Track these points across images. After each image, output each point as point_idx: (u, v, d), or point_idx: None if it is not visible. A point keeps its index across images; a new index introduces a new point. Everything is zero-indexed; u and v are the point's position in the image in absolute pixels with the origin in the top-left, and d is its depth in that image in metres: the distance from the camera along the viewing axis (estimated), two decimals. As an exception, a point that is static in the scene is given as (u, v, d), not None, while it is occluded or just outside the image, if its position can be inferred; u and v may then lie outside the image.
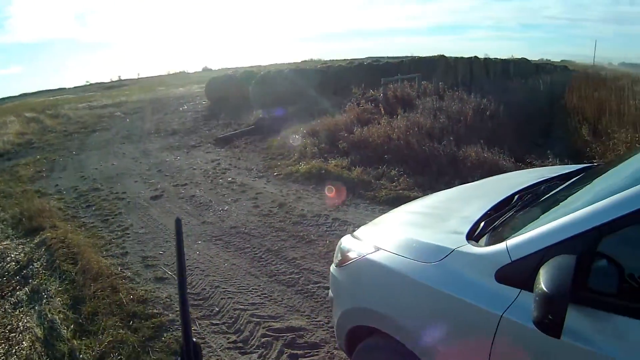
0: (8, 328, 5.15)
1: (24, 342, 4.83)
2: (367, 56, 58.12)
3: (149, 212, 8.71)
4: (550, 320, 1.72)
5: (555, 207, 2.57)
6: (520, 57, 43.61)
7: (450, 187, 6.72)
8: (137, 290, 5.72)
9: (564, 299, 1.71)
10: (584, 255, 1.90)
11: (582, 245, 1.94)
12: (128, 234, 7.73)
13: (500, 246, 2.30)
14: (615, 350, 1.80)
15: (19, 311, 5.50)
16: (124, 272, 6.27)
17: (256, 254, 6.57)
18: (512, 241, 2.26)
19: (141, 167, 12.65)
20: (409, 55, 43.19)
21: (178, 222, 1.42)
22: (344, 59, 45.68)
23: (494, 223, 2.84)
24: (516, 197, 3.32)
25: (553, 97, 19.28)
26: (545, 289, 1.76)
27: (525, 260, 2.13)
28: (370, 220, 3.87)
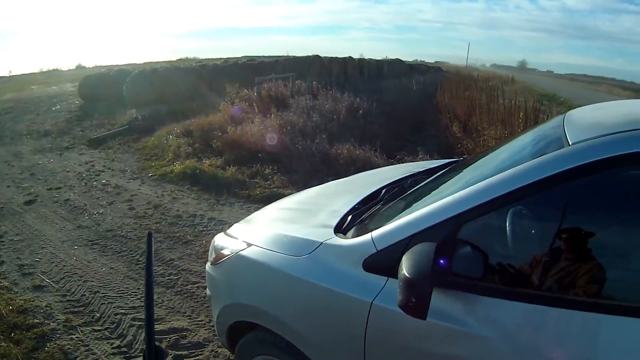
0: None
1: None
2: (243, 55, 57.86)
3: (23, 218, 8.31)
4: (414, 303, 1.80)
5: (420, 200, 2.65)
6: (394, 58, 44.71)
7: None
8: (15, 300, 5.47)
9: (425, 282, 1.79)
10: (446, 242, 2.01)
11: (443, 233, 2.06)
12: (2, 241, 7.33)
13: (366, 237, 2.38)
14: (483, 328, 1.93)
15: None
16: (0, 282, 5.98)
17: (134, 257, 6.48)
18: (377, 232, 2.35)
19: (13, 170, 11.99)
20: (285, 54, 43.39)
21: (149, 236, 1.45)
22: (220, 58, 45.23)
23: (361, 216, 2.95)
24: (383, 191, 3.43)
25: (426, 97, 19.94)
26: (407, 274, 1.83)
27: (389, 250, 2.22)
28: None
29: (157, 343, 1.36)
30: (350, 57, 31.80)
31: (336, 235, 2.67)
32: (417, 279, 1.82)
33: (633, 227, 1.93)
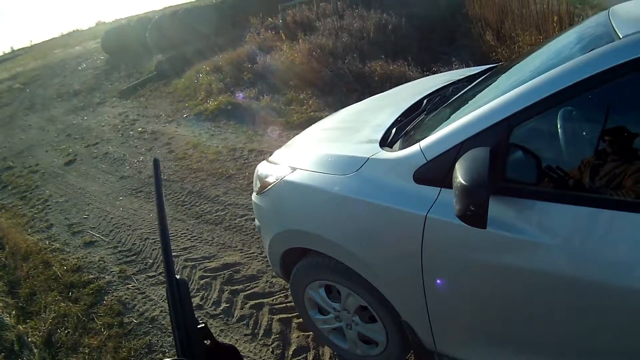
0: (-51, 327, 4.97)
1: (-31, 338, 4.69)
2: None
3: (66, 178, 8.43)
4: (472, 211, 1.72)
5: (464, 106, 2.55)
6: None
7: (360, 102, 6.76)
8: (69, 260, 5.56)
9: (483, 189, 1.70)
10: (498, 147, 1.91)
11: (494, 137, 1.95)
12: (49, 205, 7.48)
13: (414, 148, 2.28)
14: (540, 234, 1.84)
15: (-44, 308, 5.30)
16: (52, 245, 6.08)
17: (179, 198, 6.47)
18: (425, 142, 2.25)
19: (49, 135, 12.16)
20: None
21: (156, 162, 1.34)
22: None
23: (405, 128, 2.84)
24: (425, 101, 3.30)
25: (455, 6, 19.32)
26: (463, 181, 1.75)
27: (440, 159, 2.12)
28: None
29: (177, 275, 1.25)
30: None
31: (382, 149, 2.57)
32: (475, 186, 1.73)
33: None
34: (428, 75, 8.59)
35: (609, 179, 1.83)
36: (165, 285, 1.21)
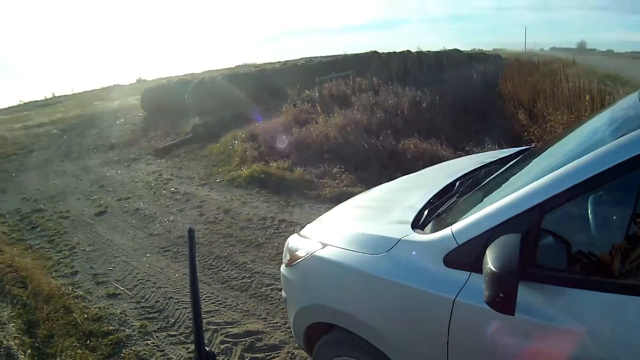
0: (-36, 360, 5.02)
1: (-18, 373, 4.73)
2: (300, 57, 58.30)
3: (95, 228, 8.55)
4: (502, 298, 1.74)
5: (496, 190, 2.60)
6: (452, 49, 44.35)
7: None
8: (90, 309, 5.62)
9: (513, 275, 1.73)
10: (529, 233, 1.94)
11: (526, 223, 1.98)
12: (76, 252, 7.57)
13: (446, 231, 2.31)
14: (569, 321, 1.86)
15: (-29, 340, 5.36)
16: (75, 292, 6.15)
17: (206, 261, 6.53)
18: (456, 226, 2.28)
19: (83, 184, 12.39)
20: (342, 53, 43.67)
21: (191, 232, 1.41)
22: (278, 61, 45.66)
23: (437, 210, 2.89)
24: (457, 183, 3.36)
25: (488, 85, 19.62)
26: (493, 268, 1.78)
27: (471, 243, 2.15)
28: (316, 219, 3.89)
29: (207, 348, 1.32)
30: (408, 50, 31.69)
31: (414, 231, 2.61)
32: (504, 273, 1.76)
33: None
34: (461, 154, 8.79)
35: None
36: (194, 355, 1.26)
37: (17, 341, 5.11)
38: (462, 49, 49.09)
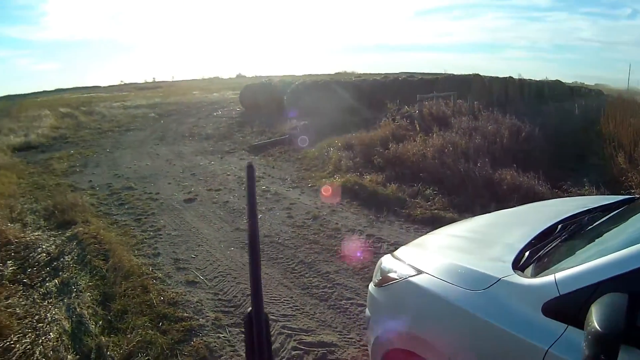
0: (36, 318, 5.16)
1: (51, 334, 4.83)
2: (400, 71, 58.44)
3: (182, 214, 8.73)
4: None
5: (603, 241, 2.55)
6: (554, 79, 43.59)
7: (486, 210, 6.69)
8: (167, 292, 5.70)
9: (618, 338, 1.66)
10: (636, 294, 1.86)
11: (634, 283, 1.93)
12: (160, 234, 7.75)
13: (549, 278, 2.27)
14: None
15: (48, 302, 5.52)
16: (155, 273, 6.28)
17: (289, 265, 6.51)
18: (561, 274, 2.23)
19: (175, 169, 12.75)
20: (442, 72, 43.45)
21: (250, 167, 1.33)
22: (378, 73, 45.96)
23: (539, 253, 2.81)
24: (559, 226, 3.27)
25: (587, 122, 19.16)
26: (598, 327, 1.70)
27: (574, 295, 2.10)
28: (405, 239, 3.82)
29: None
30: (510, 77, 31.20)
31: (514, 272, 2.58)
32: (610, 334, 1.68)
33: None
34: (557, 193, 8.69)
35: None
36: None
37: (90, 311, 5.27)
38: (564, 80, 48.28)
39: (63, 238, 7.50)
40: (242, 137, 17.90)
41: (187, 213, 8.82)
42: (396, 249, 3.70)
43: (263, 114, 22.25)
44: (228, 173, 12.11)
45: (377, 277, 3.46)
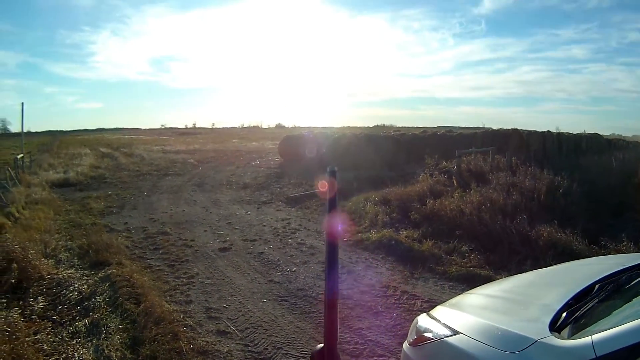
0: (63, 356, 5.19)
1: (77, 374, 4.83)
2: (438, 125, 58.88)
3: (216, 263, 8.75)
4: None
5: None
6: (592, 133, 43.87)
7: (522, 267, 6.63)
8: (197, 341, 5.69)
9: None
10: None
11: None
12: (193, 282, 7.77)
13: (585, 340, 2.27)
14: None
15: (76, 341, 5.55)
16: (186, 320, 6.26)
17: (322, 319, 6.40)
18: (597, 336, 2.23)
19: (211, 217, 12.85)
20: (480, 125, 43.96)
21: (332, 172, 1.32)
22: (416, 127, 46.34)
23: (576, 314, 2.84)
24: (597, 286, 3.29)
25: (626, 175, 18.98)
26: None
27: (611, 357, 2.10)
28: (439, 296, 3.80)
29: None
30: (548, 131, 31.29)
31: (551, 334, 2.59)
32: None
33: None
34: (594, 248, 8.58)
35: None
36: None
37: (118, 354, 5.30)
38: (601, 132, 48.77)
39: (96, 278, 7.57)
40: (279, 188, 18.03)
41: (221, 262, 8.83)
42: (430, 306, 3.70)
43: (300, 165, 22.51)
44: (264, 224, 12.14)
45: (412, 336, 3.45)
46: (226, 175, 20.90)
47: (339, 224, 1.21)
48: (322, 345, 1.19)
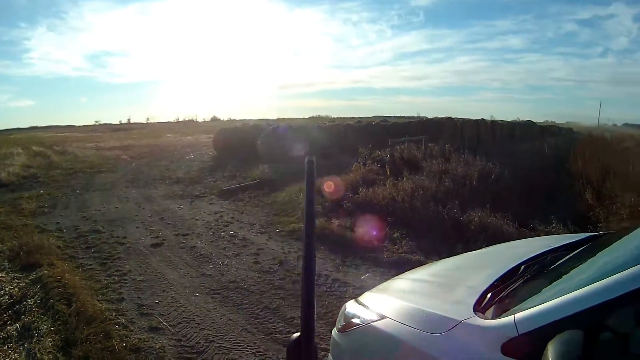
0: (-7, 363, 5.05)
1: (9, 380, 4.75)
2: (374, 115, 59.20)
3: (149, 259, 8.64)
4: None
5: (562, 280, 2.64)
6: (526, 120, 45.06)
7: (453, 252, 6.72)
8: (130, 338, 5.62)
9: None
10: (592, 331, 1.96)
11: (590, 320, 2.02)
12: (125, 279, 7.65)
13: (508, 319, 2.33)
14: None
15: (8, 347, 5.40)
16: (118, 319, 6.16)
17: (254, 310, 6.47)
18: (519, 315, 2.29)
19: (144, 213, 12.68)
20: (416, 115, 44.48)
21: (310, 163, 1.31)
22: (352, 117, 46.49)
23: (500, 294, 2.90)
24: (522, 267, 3.37)
25: (558, 161, 19.54)
26: None
27: (532, 334, 2.16)
28: (372, 283, 3.84)
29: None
30: (482, 119, 31.99)
31: (475, 314, 2.63)
32: None
33: None
34: (525, 231, 8.83)
35: None
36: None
37: (50, 357, 5.19)
38: (535, 119, 49.97)
39: (27, 281, 7.37)
40: (212, 182, 17.92)
41: (153, 258, 8.73)
42: (362, 293, 3.73)
43: (235, 158, 22.39)
44: (196, 218, 12.06)
45: (340, 322, 3.46)
46: (160, 171, 20.64)
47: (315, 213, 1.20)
48: (298, 334, 1.16)
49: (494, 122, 35.42)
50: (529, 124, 43.06)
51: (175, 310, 6.50)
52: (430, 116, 34.95)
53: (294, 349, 1.13)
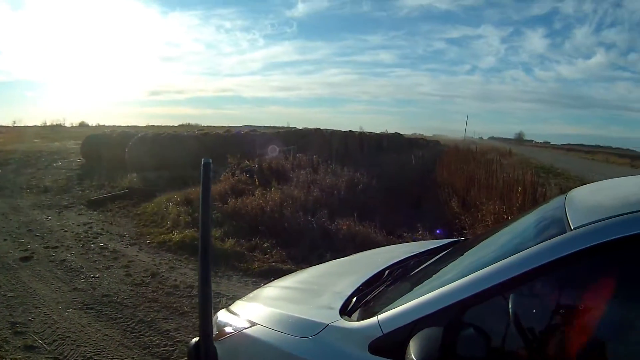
0: None
1: None
2: (244, 124, 59.02)
3: (19, 274, 8.30)
4: None
5: (424, 282, 2.81)
6: (393, 132, 46.14)
7: (322, 260, 6.97)
8: (5, 359, 5.46)
9: None
10: (451, 327, 2.11)
11: (448, 317, 2.17)
12: (-5, 297, 7.36)
13: (372, 320, 2.45)
14: None
15: None
16: (-10, 339, 5.96)
17: (129, 324, 6.43)
18: (383, 315, 2.42)
19: (11, 224, 12.09)
20: (285, 125, 44.52)
21: (207, 165, 1.38)
22: (221, 126, 46.06)
23: (365, 298, 3.04)
24: (387, 272, 3.53)
25: (425, 171, 20.26)
26: (415, 359, 1.97)
27: (395, 333, 2.29)
28: (243, 293, 3.95)
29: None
30: (350, 130, 32.67)
31: (342, 317, 2.74)
32: None
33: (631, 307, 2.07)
34: (392, 239, 9.14)
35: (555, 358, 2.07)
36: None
37: None
38: (403, 132, 51.23)
39: None
40: (81, 191, 17.37)
41: (23, 272, 8.39)
42: (234, 303, 3.85)
43: (103, 166, 21.75)
44: (65, 229, 11.67)
45: (214, 332, 3.54)
46: (27, 179, 19.60)
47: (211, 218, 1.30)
48: (197, 339, 1.26)
49: (362, 134, 36.20)
50: (396, 136, 44.26)
51: (49, 327, 6.33)
52: (299, 126, 35.36)
53: (194, 353, 1.28)
